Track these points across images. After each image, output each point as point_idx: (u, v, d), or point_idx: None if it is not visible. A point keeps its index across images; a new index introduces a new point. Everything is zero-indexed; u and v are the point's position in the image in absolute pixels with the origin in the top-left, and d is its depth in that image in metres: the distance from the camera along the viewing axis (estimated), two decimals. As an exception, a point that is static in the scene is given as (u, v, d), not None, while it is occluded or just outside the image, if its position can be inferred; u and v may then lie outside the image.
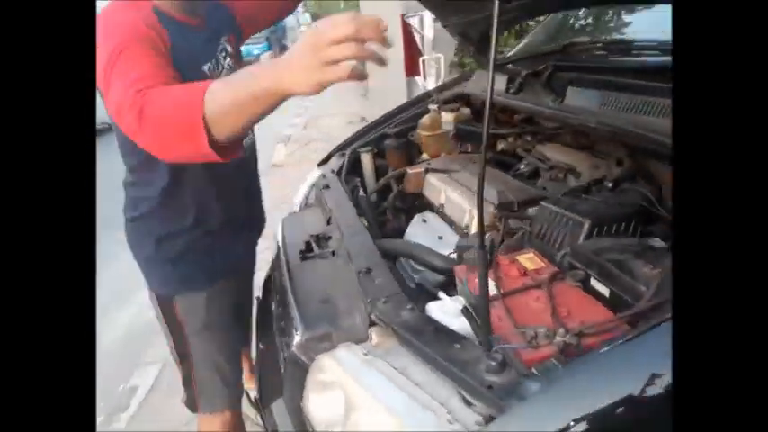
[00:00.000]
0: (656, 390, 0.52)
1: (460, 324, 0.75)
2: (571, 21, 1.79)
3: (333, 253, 1.06)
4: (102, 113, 0.85)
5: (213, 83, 0.71)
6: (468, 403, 0.61)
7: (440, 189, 1.30)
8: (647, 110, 0.91)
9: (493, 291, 0.82)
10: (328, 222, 1.19)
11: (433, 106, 1.59)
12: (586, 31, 1.70)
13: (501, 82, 1.32)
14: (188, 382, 1.23)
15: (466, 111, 1.55)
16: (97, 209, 0.76)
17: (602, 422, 0.52)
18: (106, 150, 1.38)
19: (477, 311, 0.75)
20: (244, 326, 1.40)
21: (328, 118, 6.80)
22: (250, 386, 1.45)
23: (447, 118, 1.53)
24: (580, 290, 0.78)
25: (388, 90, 4.54)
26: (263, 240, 1.38)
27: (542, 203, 0.99)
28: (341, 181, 1.39)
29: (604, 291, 0.76)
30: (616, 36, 1.24)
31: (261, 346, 1.19)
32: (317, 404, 0.77)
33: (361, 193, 1.44)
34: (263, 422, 1.03)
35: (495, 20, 0.55)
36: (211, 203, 1.12)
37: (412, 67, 3.68)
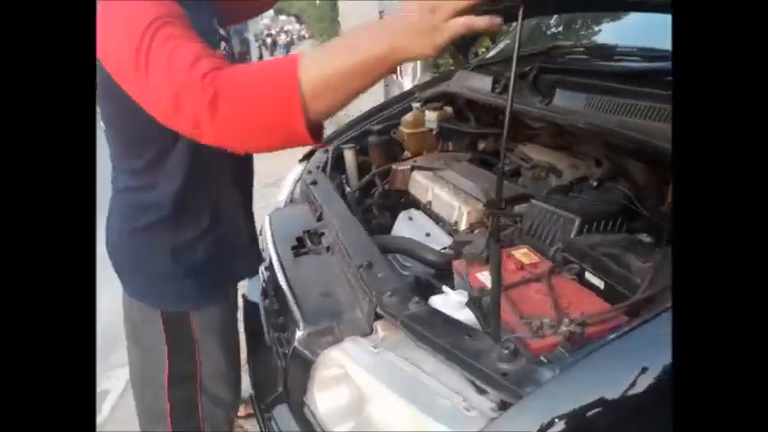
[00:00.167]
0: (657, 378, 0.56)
1: (465, 316, 0.77)
2: (543, 28, 1.87)
3: (327, 249, 1.06)
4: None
5: (302, 55, 0.62)
6: (481, 391, 0.64)
7: (427, 186, 1.32)
8: (631, 112, 0.96)
9: (494, 284, 0.85)
10: (319, 218, 1.19)
11: (416, 104, 1.61)
12: (557, 38, 1.77)
13: (486, 82, 1.36)
14: (191, 409, 1.02)
15: (449, 109, 1.58)
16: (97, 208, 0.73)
17: (615, 406, 0.56)
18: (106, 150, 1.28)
19: (482, 303, 0.78)
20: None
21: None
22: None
23: (430, 116, 1.56)
24: (576, 283, 0.82)
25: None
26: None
27: (533, 201, 1.03)
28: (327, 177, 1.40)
29: (599, 283, 0.81)
30: (596, 41, 1.30)
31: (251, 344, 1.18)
32: (325, 399, 0.77)
33: (347, 189, 1.45)
34: (260, 421, 1.02)
35: (518, 36, 0.57)
36: (226, 195, 0.97)
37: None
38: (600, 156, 1.19)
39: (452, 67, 2.12)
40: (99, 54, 0.70)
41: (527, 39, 1.79)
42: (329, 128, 1.26)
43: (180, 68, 0.63)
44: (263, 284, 1.16)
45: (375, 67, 0.61)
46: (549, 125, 1.25)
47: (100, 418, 1.71)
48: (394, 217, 1.38)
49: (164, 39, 0.64)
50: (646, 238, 0.86)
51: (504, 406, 0.60)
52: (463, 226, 1.16)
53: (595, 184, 1.07)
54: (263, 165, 1.49)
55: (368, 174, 1.50)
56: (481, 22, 0.58)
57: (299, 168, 1.57)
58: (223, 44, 1.06)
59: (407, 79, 2.92)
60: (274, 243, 1.15)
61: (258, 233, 1.18)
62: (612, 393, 0.57)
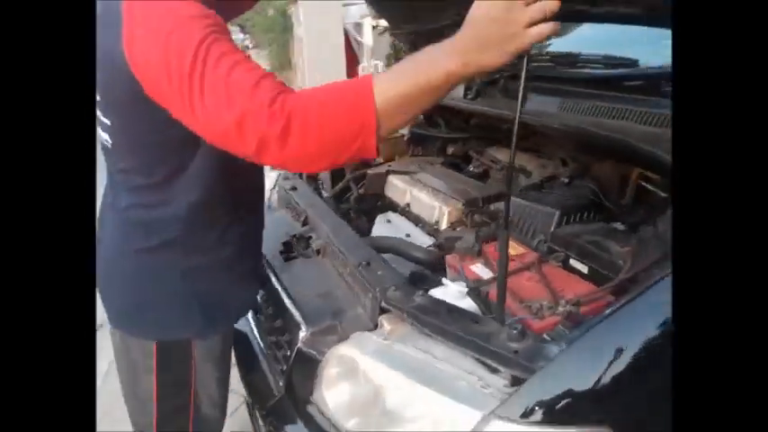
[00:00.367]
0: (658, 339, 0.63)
1: (466, 305, 0.82)
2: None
3: (318, 252, 1.08)
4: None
5: (376, 76, 0.63)
6: (493, 371, 0.68)
7: (404, 189, 1.37)
8: (599, 113, 1.05)
9: (488, 274, 0.90)
10: (304, 223, 1.21)
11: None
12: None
13: (457, 88, 1.42)
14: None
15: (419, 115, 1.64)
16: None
17: (618, 371, 0.62)
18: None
19: (481, 292, 0.83)
20: None
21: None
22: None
23: (400, 122, 1.61)
24: (562, 269, 0.89)
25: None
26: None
27: (512, 198, 1.10)
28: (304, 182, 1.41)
29: (583, 268, 0.88)
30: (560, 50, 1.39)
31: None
32: (335, 395, 0.79)
33: (324, 194, 1.47)
34: (257, 427, 1.01)
35: (524, 71, 0.62)
36: (240, 207, 0.88)
37: (352, 75, 3.74)
38: (566, 156, 1.28)
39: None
40: (130, 60, 0.65)
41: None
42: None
43: (242, 93, 0.61)
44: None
45: (446, 83, 0.62)
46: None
47: None
48: (370, 221, 1.41)
49: (217, 57, 0.62)
50: (620, 226, 0.94)
51: (516, 382, 0.65)
52: (444, 225, 1.21)
53: (567, 180, 1.16)
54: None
55: (342, 179, 1.53)
56: (553, 27, 0.59)
57: (272, 175, 1.57)
58: None
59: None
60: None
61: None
62: (615, 360, 0.63)
